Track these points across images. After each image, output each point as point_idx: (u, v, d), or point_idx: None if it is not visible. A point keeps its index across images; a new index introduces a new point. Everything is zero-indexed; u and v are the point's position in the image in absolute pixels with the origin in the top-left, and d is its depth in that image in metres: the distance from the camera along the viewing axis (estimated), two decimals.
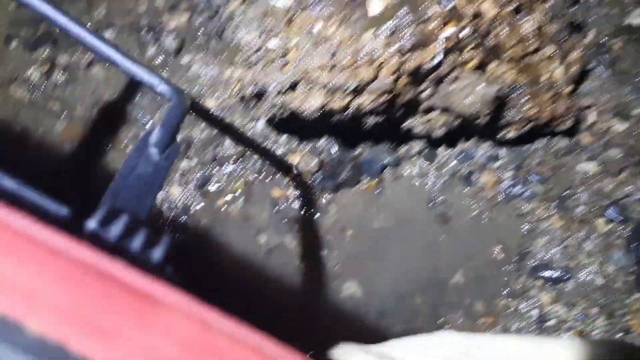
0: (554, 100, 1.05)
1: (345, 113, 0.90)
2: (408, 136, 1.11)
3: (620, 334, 1.09)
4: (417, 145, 1.18)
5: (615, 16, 1.25)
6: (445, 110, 1.00)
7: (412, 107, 0.99)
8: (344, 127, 1.03)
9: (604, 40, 1.23)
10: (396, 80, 0.87)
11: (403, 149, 1.19)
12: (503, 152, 1.18)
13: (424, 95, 0.96)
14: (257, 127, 1.21)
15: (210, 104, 1.23)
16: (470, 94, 0.92)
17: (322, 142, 1.19)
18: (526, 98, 1.01)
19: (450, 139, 1.15)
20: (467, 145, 1.18)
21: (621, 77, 1.21)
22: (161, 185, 0.63)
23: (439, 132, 1.03)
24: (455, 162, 1.19)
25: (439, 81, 0.93)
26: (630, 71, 1.21)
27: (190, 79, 1.25)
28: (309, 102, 0.86)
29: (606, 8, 1.25)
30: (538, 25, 1.01)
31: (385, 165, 1.20)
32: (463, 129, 1.06)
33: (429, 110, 1.00)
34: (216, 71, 1.24)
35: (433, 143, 1.15)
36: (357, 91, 0.86)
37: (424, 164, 1.20)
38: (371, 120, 0.94)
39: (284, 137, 1.20)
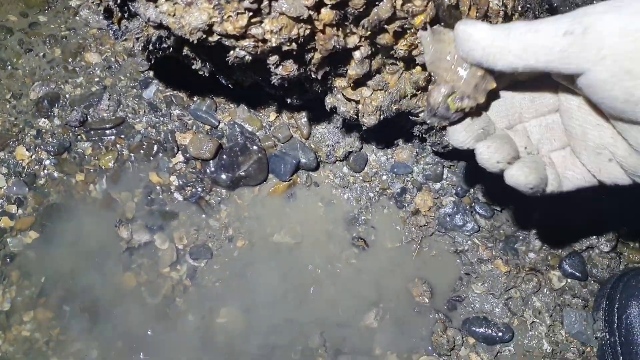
0: None
1: (244, 48, 0.65)
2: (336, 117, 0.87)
3: None
4: (342, 147, 0.94)
5: None
6: (381, 87, 0.77)
7: (338, 72, 0.75)
8: (244, 77, 0.78)
9: None
10: (317, 7, 0.63)
11: (325, 147, 0.94)
12: (446, 172, 0.95)
13: (356, 55, 0.72)
14: (145, 94, 0.95)
15: (93, 59, 0.97)
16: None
17: (225, 123, 0.94)
18: None
19: (386, 136, 0.92)
20: (404, 155, 0.94)
21: None
22: None
23: (371, 120, 0.79)
24: (387, 176, 0.95)
25: (376, 32, 0.70)
26: None
27: (74, 25, 1.00)
28: (191, 16, 0.61)
29: None
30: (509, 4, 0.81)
31: (300, 166, 0.94)
32: (404, 121, 0.83)
33: (360, 82, 0.76)
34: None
35: (363, 138, 0.92)
36: (259, 11, 0.61)
37: (349, 172, 0.95)
38: (280, 72, 0.69)
39: (177, 110, 0.95)
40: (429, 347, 0.88)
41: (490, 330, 0.88)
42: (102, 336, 0.86)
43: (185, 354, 0.87)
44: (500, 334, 0.88)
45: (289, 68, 0.69)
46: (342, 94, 0.79)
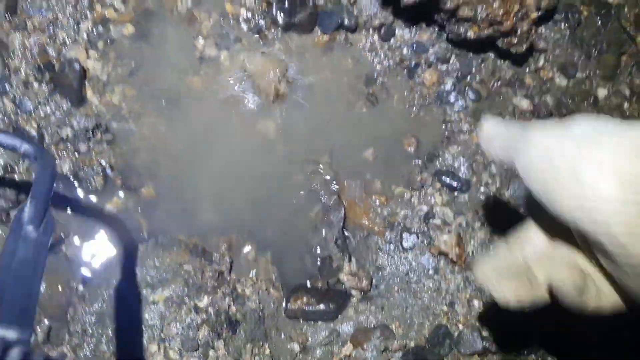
0: (520, 16, 1.08)
1: None
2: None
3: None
4: (379, 18, 1.18)
5: None
6: None
7: None
8: None
9: (577, 2, 1.27)
10: None
11: (365, 16, 1.18)
12: (454, 58, 1.21)
13: None
14: None
15: None
16: None
17: None
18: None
19: (414, 17, 1.16)
20: (425, 36, 1.19)
21: (578, 41, 1.26)
22: (44, 265, 0.57)
23: (408, 0, 1.04)
24: (407, 50, 1.20)
25: None
26: (588, 40, 1.27)
27: None
28: None
29: None
30: None
31: (341, 26, 1.19)
32: (432, 9, 1.08)
33: None
34: None
35: (398, 10, 1.15)
36: None
37: (378, 40, 1.20)
38: None
39: None
40: (406, 182, 1.18)
41: (454, 182, 1.18)
42: (171, 117, 1.13)
43: (227, 151, 1.15)
44: (460, 185, 1.18)
45: None
46: None
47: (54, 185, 0.63)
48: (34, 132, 1.03)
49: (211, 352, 0.94)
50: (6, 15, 1.07)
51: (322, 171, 1.17)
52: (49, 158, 0.64)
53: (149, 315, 0.95)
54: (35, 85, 1.06)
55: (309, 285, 1.11)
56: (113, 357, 0.93)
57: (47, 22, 1.07)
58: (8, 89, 1.05)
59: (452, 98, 1.21)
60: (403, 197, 1.18)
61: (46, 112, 1.06)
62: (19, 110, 1.04)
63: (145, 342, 0.93)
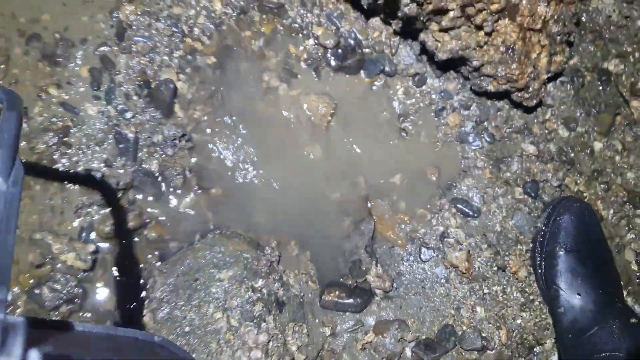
0: (532, 76, 1.32)
1: None
2: (422, 49, 1.36)
3: (496, 268, 1.37)
4: (414, 68, 1.43)
5: (598, 57, 1.55)
6: (457, 38, 1.25)
7: (436, 20, 1.23)
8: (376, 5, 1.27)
9: (582, 68, 1.52)
10: None
11: (402, 65, 1.43)
12: (474, 105, 1.45)
13: (450, 14, 1.20)
14: None
15: None
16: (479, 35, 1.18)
17: (345, 29, 1.42)
18: (516, 60, 1.27)
19: (444, 69, 1.41)
20: (451, 86, 1.44)
21: (580, 100, 1.50)
22: (17, 218, 0.52)
23: (443, 56, 1.28)
24: (436, 96, 1.45)
25: (467, 5, 1.18)
26: (589, 100, 1.51)
27: None
28: None
29: (594, 47, 1.55)
30: (548, 16, 1.29)
31: (382, 71, 1.43)
32: (460, 64, 1.32)
33: (445, 30, 1.25)
34: None
35: (431, 62, 1.40)
36: None
37: (412, 86, 1.45)
38: (406, 11, 1.18)
39: (317, 10, 1.42)
40: (427, 205, 1.41)
41: (467, 209, 1.40)
42: (238, 134, 1.37)
43: (280, 166, 1.38)
44: (472, 212, 1.40)
45: (413, 9, 1.18)
46: (432, 34, 1.28)
47: (21, 129, 0.56)
48: (131, 135, 1.27)
49: (263, 324, 1.16)
50: (116, 40, 1.32)
51: (357, 190, 1.40)
52: (16, 100, 0.58)
53: (215, 290, 1.17)
54: (135, 97, 1.30)
55: (340, 281, 1.33)
56: (184, 321, 1.15)
57: (148, 48, 1.32)
58: (113, 99, 1.29)
59: (470, 138, 1.44)
60: (424, 217, 1.40)
61: (142, 120, 1.30)
62: (120, 117, 1.29)
63: (211, 310, 1.15)
